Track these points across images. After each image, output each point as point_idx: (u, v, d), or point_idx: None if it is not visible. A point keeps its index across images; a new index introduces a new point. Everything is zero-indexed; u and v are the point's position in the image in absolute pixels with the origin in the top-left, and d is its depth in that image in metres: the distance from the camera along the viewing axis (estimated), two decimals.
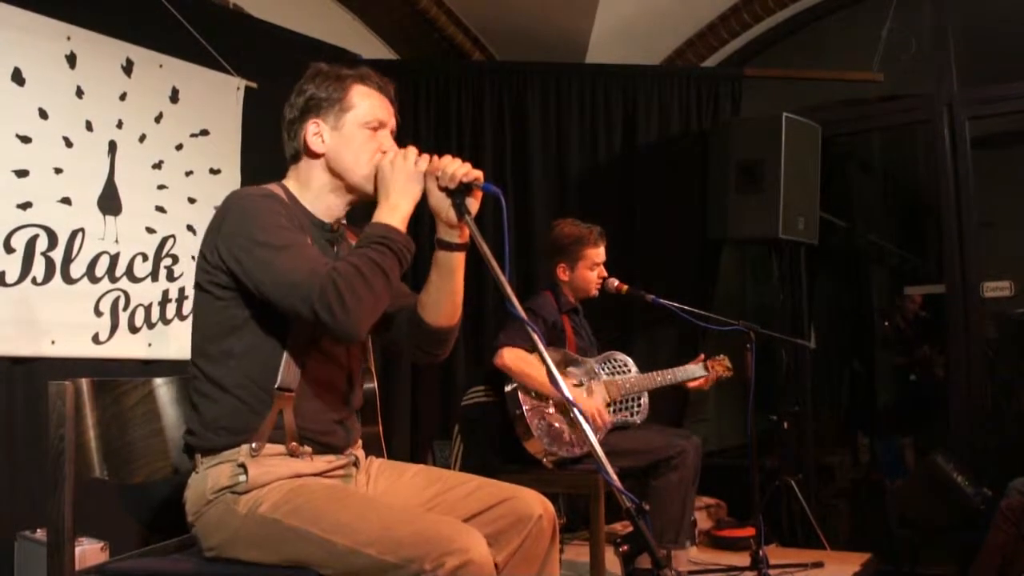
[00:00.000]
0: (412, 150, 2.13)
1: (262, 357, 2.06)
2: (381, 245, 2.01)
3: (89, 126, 3.72)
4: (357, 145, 2.18)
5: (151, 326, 3.90)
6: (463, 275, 2.22)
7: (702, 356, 4.12)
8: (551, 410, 3.64)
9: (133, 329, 3.84)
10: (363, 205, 2.24)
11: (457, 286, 2.22)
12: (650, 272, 4.82)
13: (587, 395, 3.78)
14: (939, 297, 5.21)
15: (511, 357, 3.58)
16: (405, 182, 2.10)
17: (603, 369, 3.88)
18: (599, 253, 3.96)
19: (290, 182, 2.24)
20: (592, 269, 3.94)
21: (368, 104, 2.20)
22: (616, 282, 3.99)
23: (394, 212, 2.08)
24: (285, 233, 2.02)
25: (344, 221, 2.30)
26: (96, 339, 3.71)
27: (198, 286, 2.12)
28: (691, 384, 4.08)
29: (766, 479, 4.75)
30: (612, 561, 3.67)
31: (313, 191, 2.21)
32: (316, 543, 1.90)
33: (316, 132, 2.18)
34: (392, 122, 2.25)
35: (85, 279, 3.67)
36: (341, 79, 2.20)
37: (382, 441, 2.50)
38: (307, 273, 1.94)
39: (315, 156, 2.20)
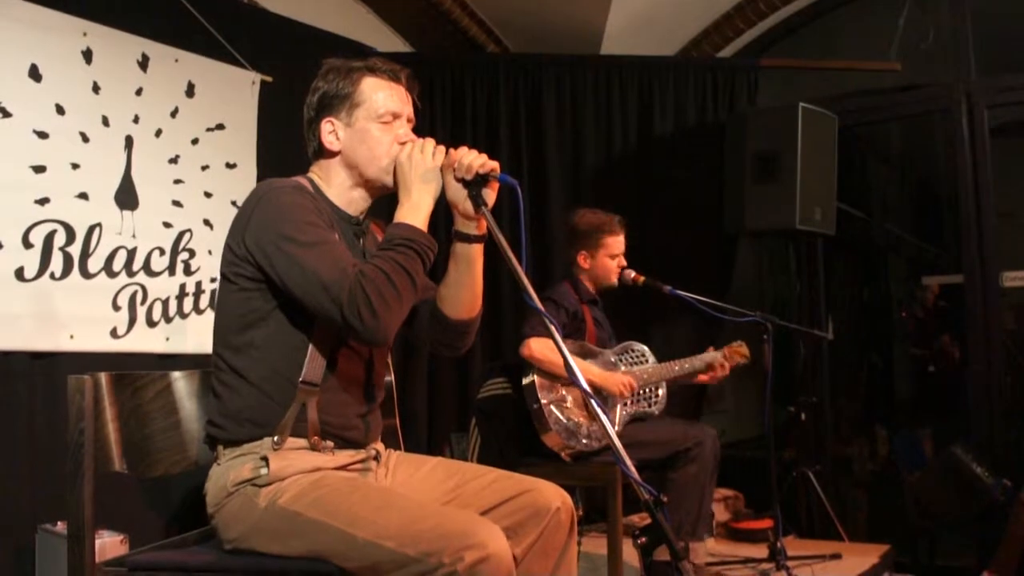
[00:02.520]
0: (430, 142, 2.12)
1: (286, 350, 2.07)
2: (406, 247, 2.01)
3: (105, 121, 3.73)
4: (372, 140, 2.17)
5: (168, 320, 3.92)
6: (482, 267, 2.22)
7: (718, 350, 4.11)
8: (569, 404, 3.63)
9: (151, 323, 3.85)
10: (387, 198, 2.23)
11: (476, 278, 2.22)
12: (666, 263, 4.80)
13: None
14: (958, 287, 5.16)
15: (538, 347, 3.58)
16: (423, 177, 2.10)
17: (621, 360, 3.88)
18: (618, 242, 3.95)
19: (314, 176, 2.24)
20: (612, 258, 3.93)
21: (379, 96, 2.18)
22: (633, 273, 3.97)
23: (416, 211, 2.08)
24: (314, 230, 2.02)
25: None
26: (114, 333, 3.73)
27: (223, 276, 2.12)
28: (706, 377, 4.06)
29: (784, 471, 4.74)
30: (630, 553, 3.66)
31: (335, 187, 2.21)
32: (335, 535, 1.90)
33: (331, 131, 2.18)
34: (408, 110, 2.23)
35: (103, 274, 3.69)
36: (351, 72, 2.19)
37: (399, 434, 2.51)
38: (336, 274, 1.94)
39: (332, 155, 2.20)
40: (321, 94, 2.19)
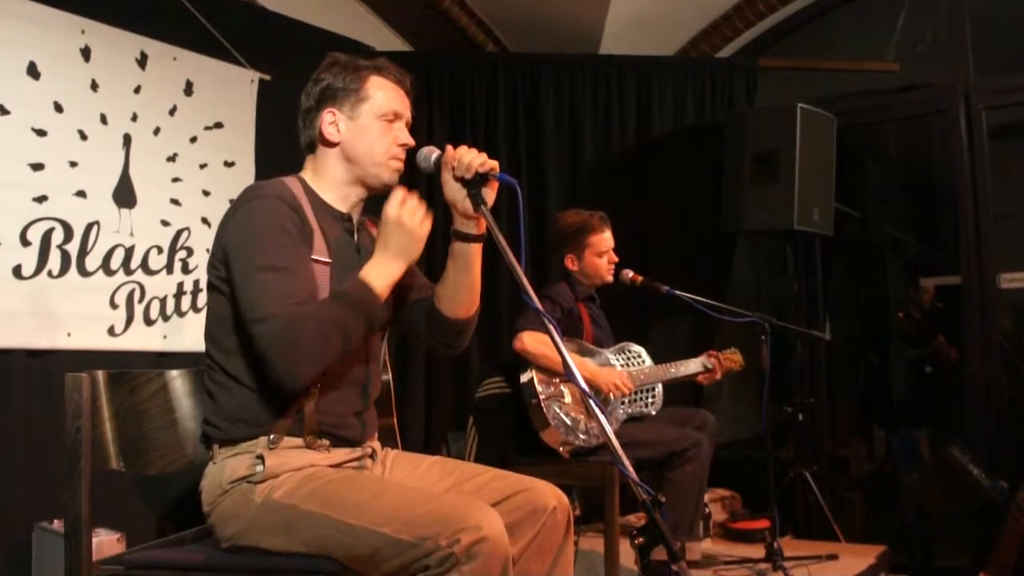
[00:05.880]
0: (420, 209, 2.11)
1: None
2: (358, 309, 2.01)
3: (104, 119, 3.73)
4: (373, 136, 2.19)
5: (166, 318, 3.92)
6: (480, 266, 2.22)
7: (713, 352, 4.12)
8: (566, 400, 3.63)
9: (148, 321, 3.85)
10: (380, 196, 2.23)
11: (474, 278, 2.22)
12: (664, 263, 4.80)
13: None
14: (955, 288, 5.17)
15: (531, 341, 3.57)
16: (408, 238, 2.09)
17: (617, 360, 3.87)
18: (604, 239, 3.92)
19: (307, 173, 2.24)
20: (600, 256, 3.91)
21: (384, 95, 2.20)
22: (631, 273, 3.97)
23: (387, 271, 2.08)
24: (277, 252, 2.00)
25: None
26: (112, 331, 3.73)
27: (209, 280, 2.14)
28: (700, 378, 4.08)
29: (781, 471, 4.74)
30: (627, 553, 3.66)
31: (328, 181, 2.22)
32: (331, 525, 1.91)
33: (332, 121, 2.19)
34: (408, 114, 2.25)
35: (100, 272, 3.69)
36: (359, 70, 2.21)
37: (396, 433, 2.52)
38: (277, 306, 1.93)
39: (330, 145, 2.20)
40: (326, 85, 2.20)
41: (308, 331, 1.93)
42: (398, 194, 2.11)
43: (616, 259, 3.96)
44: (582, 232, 3.91)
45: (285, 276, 1.99)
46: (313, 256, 2.09)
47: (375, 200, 2.30)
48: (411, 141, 2.22)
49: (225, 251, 2.05)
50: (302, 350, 1.92)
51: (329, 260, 2.12)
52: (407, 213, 2.09)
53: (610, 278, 3.95)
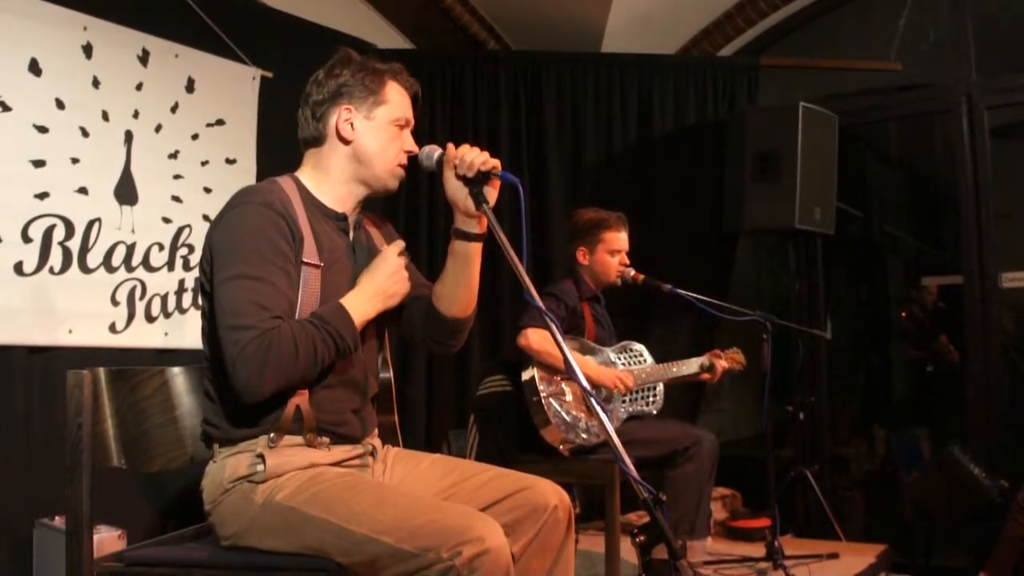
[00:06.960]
0: (401, 266, 2.17)
1: None
2: (331, 338, 2.02)
3: (105, 116, 3.72)
4: (386, 140, 2.20)
5: (167, 315, 3.92)
6: (479, 265, 2.23)
7: (717, 351, 4.11)
8: (568, 398, 3.63)
9: (149, 318, 3.85)
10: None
11: (473, 276, 2.23)
12: (666, 261, 4.79)
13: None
14: (956, 288, 5.17)
15: (536, 337, 3.57)
16: (398, 284, 2.17)
17: (619, 359, 3.87)
18: (619, 238, 3.93)
19: (305, 171, 2.24)
20: (612, 255, 3.92)
21: (399, 101, 2.23)
22: (632, 272, 3.96)
23: (364, 306, 2.11)
24: (260, 263, 2.00)
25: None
26: (113, 328, 3.73)
27: (200, 284, 2.14)
28: (702, 377, 4.08)
29: (781, 470, 4.74)
30: (628, 551, 3.67)
31: (331, 179, 2.21)
32: (333, 531, 1.91)
33: (347, 119, 2.19)
34: (413, 122, 2.28)
35: (102, 269, 3.69)
36: (378, 73, 2.22)
37: (398, 431, 2.51)
38: (252, 317, 1.94)
39: (343, 142, 2.20)
40: (343, 82, 2.20)
41: (283, 349, 1.93)
42: (402, 244, 2.21)
43: (627, 262, 3.96)
44: (598, 228, 3.93)
45: (263, 287, 1.99)
46: (304, 259, 2.08)
47: (370, 200, 2.31)
48: (416, 149, 2.24)
49: (211, 253, 2.06)
50: (272, 366, 1.92)
51: (320, 263, 2.11)
52: (404, 263, 2.17)
53: (617, 280, 3.94)
